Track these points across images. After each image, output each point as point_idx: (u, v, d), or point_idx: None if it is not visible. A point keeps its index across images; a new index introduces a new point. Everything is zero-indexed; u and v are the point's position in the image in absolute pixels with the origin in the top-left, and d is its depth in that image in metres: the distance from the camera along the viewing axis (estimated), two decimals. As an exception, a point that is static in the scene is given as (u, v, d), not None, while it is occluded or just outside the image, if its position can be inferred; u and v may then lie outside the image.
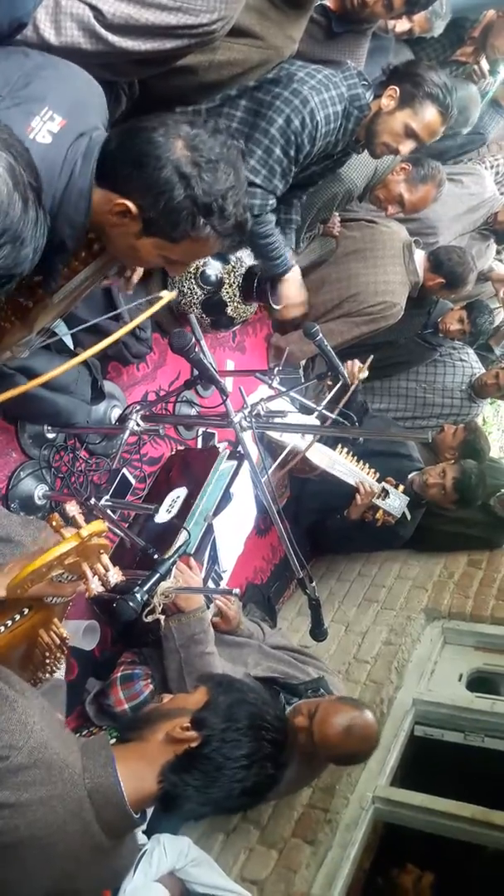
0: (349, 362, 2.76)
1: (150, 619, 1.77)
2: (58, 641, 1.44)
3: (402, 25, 2.82)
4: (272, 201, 2.25)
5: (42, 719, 1.23)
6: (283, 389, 2.18)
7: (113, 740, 2.04)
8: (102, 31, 1.59)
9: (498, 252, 4.43)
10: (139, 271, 1.76)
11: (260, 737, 1.34)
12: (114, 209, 1.35)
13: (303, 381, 3.31)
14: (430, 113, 2.23)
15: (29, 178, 1.02)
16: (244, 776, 1.32)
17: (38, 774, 1.18)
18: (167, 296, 1.59)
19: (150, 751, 1.34)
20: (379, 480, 2.99)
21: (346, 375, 2.25)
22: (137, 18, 1.59)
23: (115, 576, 1.24)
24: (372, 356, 2.80)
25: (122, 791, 1.27)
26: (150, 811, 2.05)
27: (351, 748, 2.15)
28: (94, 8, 1.56)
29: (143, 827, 2.10)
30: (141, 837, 2.05)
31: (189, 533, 2.14)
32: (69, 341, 1.91)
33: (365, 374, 2.80)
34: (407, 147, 2.31)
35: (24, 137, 1.25)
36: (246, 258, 2.65)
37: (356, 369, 2.78)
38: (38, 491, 2.23)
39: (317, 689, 2.34)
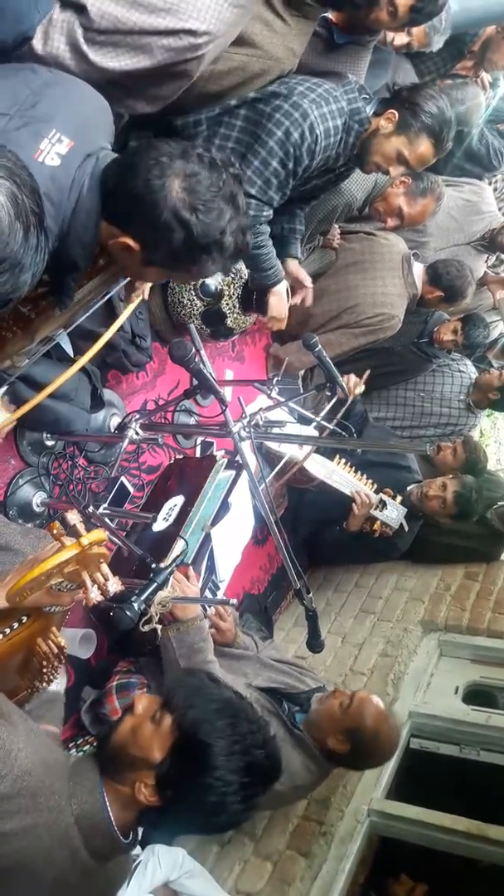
0: (346, 377, 2.78)
1: (146, 628, 1.77)
2: (56, 650, 1.44)
3: (400, 39, 2.83)
4: (267, 212, 2.27)
5: (28, 745, 1.21)
6: (282, 400, 2.19)
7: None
8: (84, 47, 1.60)
9: (496, 265, 4.45)
10: (148, 284, 1.80)
11: (242, 784, 1.27)
12: (116, 244, 1.38)
13: (301, 391, 3.32)
14: (423, 145, 2.27)
15: (31, 203, 1.04)
16: (229, 817, 1.28)
17: (22, 803, 1.17)
18: (137, 300, 1.73)
19: (126, 793, 1.30)
20: (377, 492, 3.00)
21: (345, 387, 2.26)
22: (125, 22, 1.60)
23: (115, 585, 1.24)
24: (369, 371, 2.82)
25: (109, 817, 1.25)
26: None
27: (384, 734, 2.20)
28: (80, 7, 1.58)
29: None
30: (135, 849, 2.04)
31: (186, 542, 2.14)
32: (69, 349, 1.92)
33: (361, 388, 2.83)
34: (396, 171, 2.35)
35: (33, 161, 1.27)
36: (245, 270, 2.67)
37: (353, 384, 2.80)
38: (37, 498, 2.23)
39: None
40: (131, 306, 1.72)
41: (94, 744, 2.16)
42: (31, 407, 1.65)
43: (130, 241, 1.36)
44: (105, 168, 1.39)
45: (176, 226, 1.33)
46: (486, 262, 4.18)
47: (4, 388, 1.68)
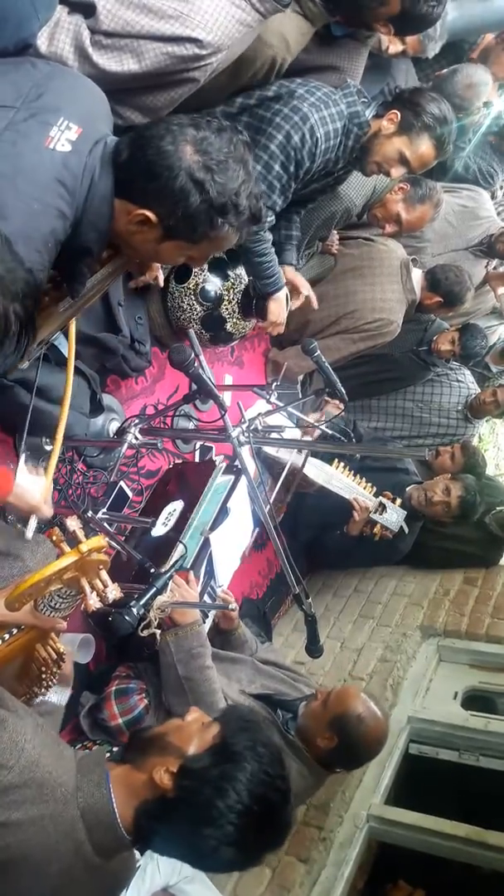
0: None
1: (145, 633, 1.77)
2: (54, 656, 1.44)
3: (395, 47, 2.84)
4: (270, 217, 2.27)
5: (35, 737, 1.22)
6: (281, 405, 2.19)
7: (108, 754, 2.03)
8: (89, 50, 1.62)
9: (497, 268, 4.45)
10: (158, 268, 1.80)
11: (249, 810, 1.26)
12: (133, 219, 1.38)
13: (300, 396, 3.32)
14: (425, 145, 2.28)
15: (17, 308, 1.07)
16: (220, 837, 1.24)
17: (29, 793, 1.17)
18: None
19: (140, 779, 1.29)
20: (376, 495, 3.00)
21: (344, 392, 2.27)
22: (133, 25, 1.62)
23: (114, 592, 1.24)
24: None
25: (115, 812, 1.25)
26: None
27: (368, 717, 2.18)
28: (89, 9, 1.59)
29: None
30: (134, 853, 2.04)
31: (186, 547, 2.14)
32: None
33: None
34: (397, 172, 2.35)
35: (45, 148, 1.28)
36: (245, 274, 2.67)
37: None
38: (35, 503, 2.22)
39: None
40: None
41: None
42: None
43: (149, 213, 1.37)
44: (116, 144, 1.40)
45: (192, 188, 1.34)
46: (486, 266, 4.18)
47: (25, 456, 1.68)
